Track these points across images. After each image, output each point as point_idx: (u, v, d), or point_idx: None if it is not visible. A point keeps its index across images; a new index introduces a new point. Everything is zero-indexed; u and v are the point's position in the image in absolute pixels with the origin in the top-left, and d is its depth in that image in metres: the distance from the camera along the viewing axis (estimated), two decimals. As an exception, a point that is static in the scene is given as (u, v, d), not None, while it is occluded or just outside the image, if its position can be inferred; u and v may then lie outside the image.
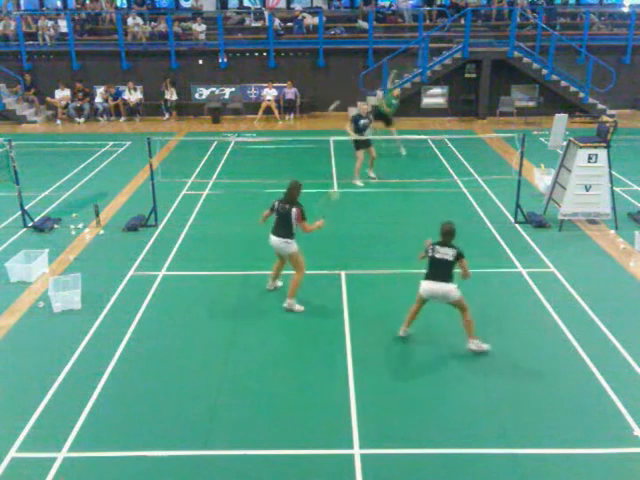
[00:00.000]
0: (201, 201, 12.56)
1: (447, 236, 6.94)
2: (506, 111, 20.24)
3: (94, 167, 15.16)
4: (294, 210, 7.90)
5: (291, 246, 7.97)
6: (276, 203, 8.14)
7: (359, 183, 13.39)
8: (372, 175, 13.79)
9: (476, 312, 8.13)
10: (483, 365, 7.03)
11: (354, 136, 13.24)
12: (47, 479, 5.43)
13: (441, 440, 5.84)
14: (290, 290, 8.13)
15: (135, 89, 20.78)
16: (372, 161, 13.63)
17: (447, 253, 6.90)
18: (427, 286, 7.00)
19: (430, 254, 6.98)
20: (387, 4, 24.10)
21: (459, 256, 6.91)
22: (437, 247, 6.95)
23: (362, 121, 13.24)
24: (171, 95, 20.52)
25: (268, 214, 8.28)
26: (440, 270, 6.92)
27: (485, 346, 7.17)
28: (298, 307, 8.13)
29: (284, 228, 7.96)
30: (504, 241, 10.37)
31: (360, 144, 13.26)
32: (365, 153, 13.38)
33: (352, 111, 20.66)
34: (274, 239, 8.03)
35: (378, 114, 15.44)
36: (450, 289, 6.93)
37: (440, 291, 6.94)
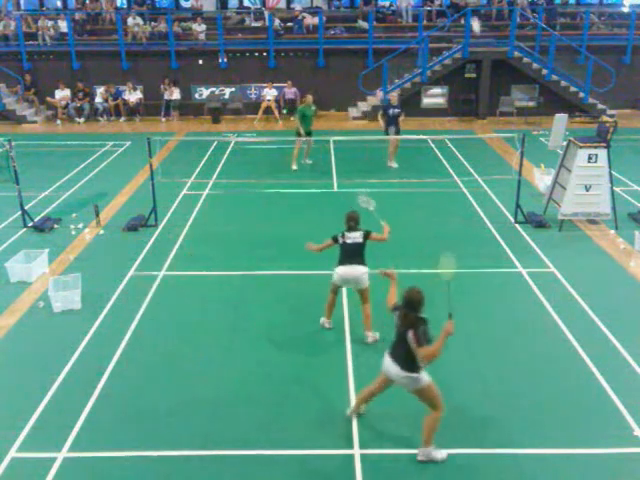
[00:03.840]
0: (201, 201, 12.56)
1: (351, 221, 7.31)
2: (506, 111, 20.24)
3: (94, 167, 15.17)
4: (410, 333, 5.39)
5: (420, 380, 5.49)
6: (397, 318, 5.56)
7: (394, 165, 14.78)
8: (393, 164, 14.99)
9: (476, 312, 8.16)
10: (483, 365, 7.03)
11: (384, 126, 14.52)
12: (47, 479, 5.44)
13: (441, 440, 5.83)
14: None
15: (135, 89, 20.78)
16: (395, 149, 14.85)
17: (356, 236, 7.26)
18: (341, 271, 7.26)
19: (341, 242, 7.29)
20: (387, 4, 24.09)
21: (367, 233, 7.29)
22: (346, 234, 7.29)
23: (391, 110, 14.44)
24: (171, 95, 20.51)
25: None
26: (353, 254, 7.26)
27: (377, 335, 7.43)
28: (440, 455, 5.64)
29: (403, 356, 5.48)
30: (504, 241, 10.37)
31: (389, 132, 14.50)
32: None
33: (352, 111, 20.72)
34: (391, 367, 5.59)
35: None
36: (363, 271, 7.23)
37: (354, 274, 7.21)
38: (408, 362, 5.36)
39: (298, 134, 14.56)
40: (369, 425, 6.05)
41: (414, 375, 5.38)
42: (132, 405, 6.41)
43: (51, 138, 18.45)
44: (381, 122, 14.61)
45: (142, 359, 7.21)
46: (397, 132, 14.57)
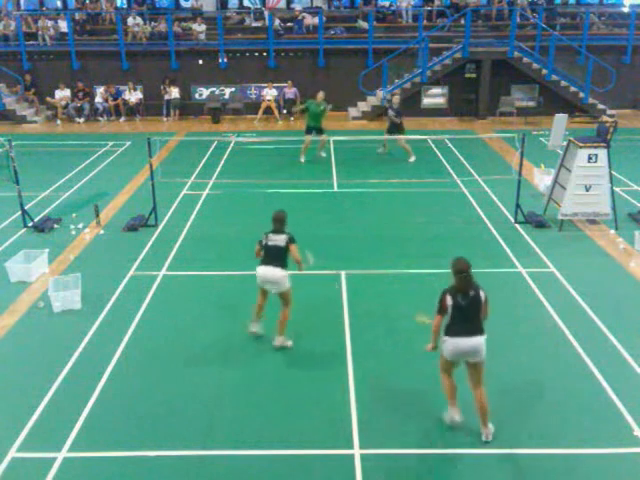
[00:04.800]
0: (201, 201, 12.56)
1: (278, 223, 7.13)
2: (506, 111, 20.24)
3: (94, 167, 15.17)
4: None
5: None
6: None
7: (412, 159, 15.34)
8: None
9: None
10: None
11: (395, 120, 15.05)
12: (47, 479, 5.44)
13: (441, 440, 5.84)
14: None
15: (135, 89, 20.79)
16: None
17: (278, 239, 7.08)
18: (261, 271, 7.14)
19: (264, 243, 7.15)
20: (387, 4, 24.10)
21: (290, 241, 7.08)
22: (269, 235, 7.13)
23: (389, 111, 15.10)
24: (170, 94, 20.51)
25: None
26: (273, 256, 7.08)
27: (289, 343, 7.37)
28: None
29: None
30: (504, 241, 10.37)
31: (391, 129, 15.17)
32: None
33: (352, 111, 20.72)
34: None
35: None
36: (282, 274, 7.07)
37: (272, 276, 7.07)
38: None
39: (307, 130, 15.09)
40: (369, 425, 6.05)
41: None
42: (132, 405, 6.41)
43: (51, 138, 18.45)
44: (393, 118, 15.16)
45: (142, 359, 7.21)
46: (388, 131, 15.12)
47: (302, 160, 15.21)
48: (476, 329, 5.64)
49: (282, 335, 7.32)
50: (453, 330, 5.64)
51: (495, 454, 5.69)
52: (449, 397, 5.92)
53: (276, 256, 7.07)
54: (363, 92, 20.22)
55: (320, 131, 15.12)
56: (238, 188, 13.05)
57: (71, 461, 5.64)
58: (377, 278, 9.10)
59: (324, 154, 15.72)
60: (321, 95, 15.15)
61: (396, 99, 15.19)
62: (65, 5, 24.55)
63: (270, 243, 7.10)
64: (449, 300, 5.64)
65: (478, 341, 5.61)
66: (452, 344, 5.65)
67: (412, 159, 15.24)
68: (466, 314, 5.63)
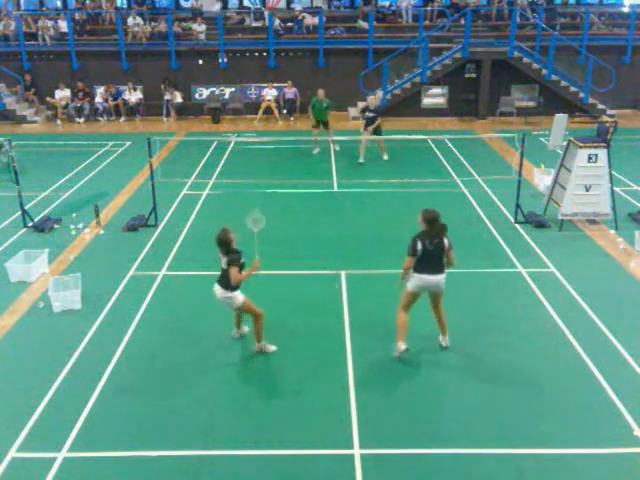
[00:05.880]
0: (201, 201, 12.56)
1: (220, 246, 6.87)
2: (506, 111, 20.24)
3: (94, 167, 15.17)
4: None
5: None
6: None
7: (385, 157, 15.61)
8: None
9: (476, 312, 8.16)
10: (483, 365, 7.03)
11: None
12: (47, 479, 5.44)
13: (441, 440, 5.84)
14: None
15: (135, 89, 20.78)
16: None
17: (222, 261, 6.88)
18: (214, 290, 7.00)
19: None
20: (387, 4, 24.10)
21: (229, 263, 6.79)
22: (220, 255, 6.91)
23: (367, 113, 15.07)
24: (173, 98, 20.50)
25: None
26: (220, 276, 6.96)
27: (272, 348, 7.27)
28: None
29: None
30: (504, 241, 10.37)
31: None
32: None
33: (352, 111, 20.73)
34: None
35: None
36: (224, 296, 6.91)
37: (220, 295, 6.95)
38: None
39: (316, 125, 15.87)
40: (369, 425, 6.05)
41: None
42: (132, 405, 6.41)
43: (51, 138, 18.46)
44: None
45: (142, 359, 7.21)
46: (375, 132, 15.00)
47: (316, 152, 16.08)
48: (439, 269, 6.90)
49: (260, 342, 7.24)
50: (420, 268, 6.85)
51: (495, 454, 5.69)
52: (400, 332, 7.05)
53: (221, 276, 6.95)
54: (363, 92, 20.18)
55: (326, 125, 15.91)
56: (238, 188, 13.05)
57: (71, 461, 5.64)
58: (377, 278, 9.09)
59: (338, 147, 16.39)
60: (322, 92, 15.69)
61: (375, 100, 15.34)
62: (65, 5, 24.55)
63: (224, 266, 6.89)
64: (419, 245, 6.78)
65: (441, 278, 6.93)
66: (419, 279, 6.89)
67: (385, 157, 15.55)
68: (431, 256, 6.80)
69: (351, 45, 21.08)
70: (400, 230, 11.05)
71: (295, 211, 12.02)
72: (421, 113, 20.71)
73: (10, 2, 23.36)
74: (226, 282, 6.88)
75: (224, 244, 6.85)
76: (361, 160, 15.19)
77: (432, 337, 7.52)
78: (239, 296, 6.96)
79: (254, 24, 22.17)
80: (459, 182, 13.50)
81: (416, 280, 6.94)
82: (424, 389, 6.63)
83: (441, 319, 7.25)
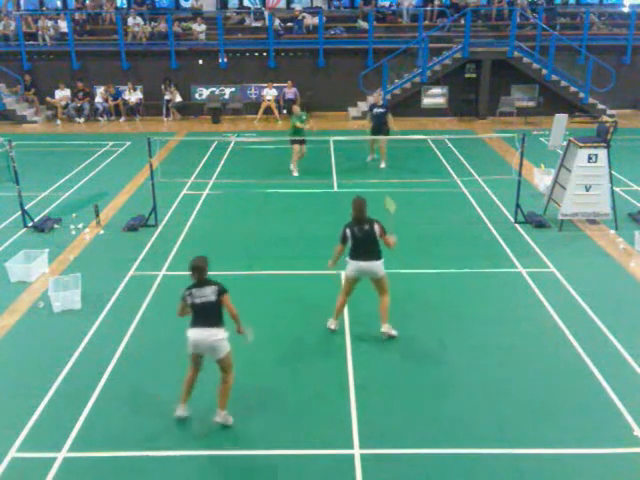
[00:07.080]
0: (201, 201, 12.56)
1: (196, 272, 5.88)
2: (506, 111, 20.24)
3: (94, 167, 15.16)
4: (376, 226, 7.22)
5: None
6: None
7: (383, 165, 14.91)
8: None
9: (476, 312, 8.16)
10: (483, 365, 7.03)
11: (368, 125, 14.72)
12: (47, 479, 5.44)
13: (441, 440, 5.84)
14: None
15: (135, 89, 20.78)
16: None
17: (206, 294, 5.84)
18: (192, 335, 5.91)
19: (189, 302, 5.89)
20: (387, 4, 24.09)
21: (222, 291, 5.91)
22: (193, 291, 5.85)
23: (375, 110, 14.48)
24: (173, 97, 20.50)
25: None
26: (205, 315, 5.88)
27: (230, 419, 6.05)
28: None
29: None
30: (504, 241, 10.36)
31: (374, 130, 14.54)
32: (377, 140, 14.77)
33: (352, 111, 20.73)
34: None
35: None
36: (221, 337, 5.91)
37: (211, 339, 5.88)
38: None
39: (294, 142, 14.23)
40: (369, 425, 6.05)
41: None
42: (132, 405, 6.41)
43: (51, 138, 18.45)
44: (367, 122, 14.85)
45: (142, 359, 7.21)
46: (385, 132, 14.42)
47: (295, 174, 14.36)
48: (372, 255, 7.16)
49: (224, 410, 5.99)
50: (353, 255, 7.23)
51: (495, 454, 5.69)
52: (336, 312, 7.56)
53: (209, 314, 5.82)
54: (363, 92, 20.18)
55: (303, 142, 14.30)
56: (238, 188, 13.05)
57: (71, 461, 5.65)
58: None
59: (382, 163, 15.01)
60: (297, 108, 14.45)
61: (379, 97, 14.94)
62: (65, 5, 24.55)
63: (197, 301, 5.81)
64: (348, 232, 7.16)
65: (374, 264, 7.17)
66: (353, 265, 7.25)
67: (383, 165, 14.79)
68: (362, 243, 7.11)
69: (351, 45, 21.07)
70: (400, 230, 11.06)
71: (295, 211, 12.01)
72: (421, 113, 20.71)
73: (10, 2, 23.36)
74: (218, 319, 5.85)
75: (203, 271, 5.84)
76: (382, 165, 14.71)
77: (432, 337, 7.53)
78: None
79: (254, 24, 22.17)
80: (459, 182, 13.49)
81: (350, 266, 7.27)
82: (424, 389, 6.63)
83: (382, 306, 7.37)
